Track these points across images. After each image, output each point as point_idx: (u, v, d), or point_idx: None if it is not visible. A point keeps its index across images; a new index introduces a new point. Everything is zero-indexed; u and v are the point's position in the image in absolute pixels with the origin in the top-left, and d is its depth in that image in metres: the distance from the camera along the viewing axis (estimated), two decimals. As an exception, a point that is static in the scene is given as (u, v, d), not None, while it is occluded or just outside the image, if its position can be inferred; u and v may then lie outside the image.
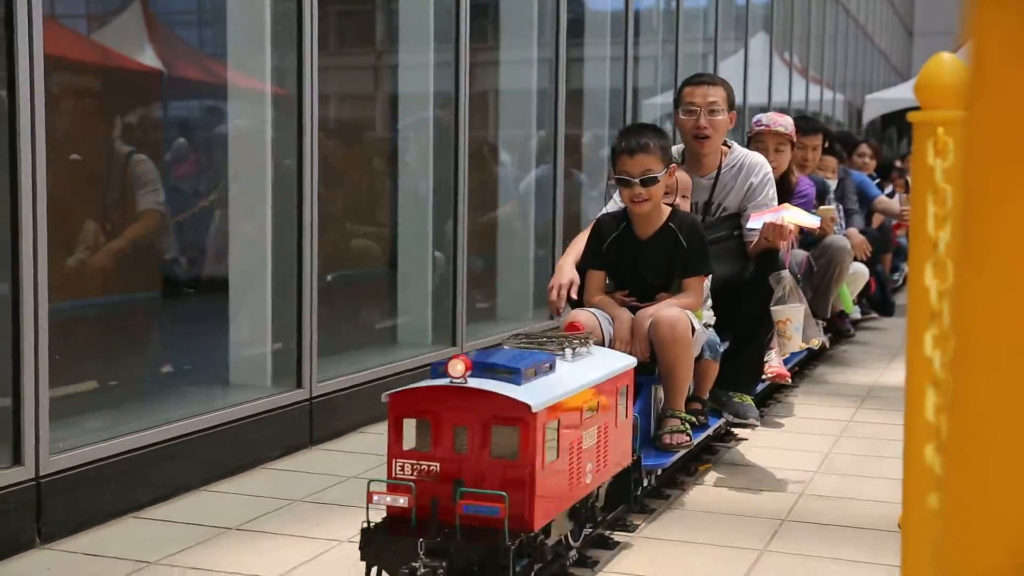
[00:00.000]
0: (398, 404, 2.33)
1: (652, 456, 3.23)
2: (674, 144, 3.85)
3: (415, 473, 2.29)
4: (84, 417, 3.48)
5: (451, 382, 2.28)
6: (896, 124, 18.62)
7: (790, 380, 4.53)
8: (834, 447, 4.13)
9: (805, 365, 5.72)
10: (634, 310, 3.34)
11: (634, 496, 2.97)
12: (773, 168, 4.10)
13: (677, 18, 8.24)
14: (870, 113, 17.88)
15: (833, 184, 6.22)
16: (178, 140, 4.85)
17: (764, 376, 4.12)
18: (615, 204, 3.63)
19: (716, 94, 3.84)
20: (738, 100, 4.83)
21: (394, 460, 2.32)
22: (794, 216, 3.71)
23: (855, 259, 5.81)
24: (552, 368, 2.48)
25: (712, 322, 3.55)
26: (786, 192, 4.59)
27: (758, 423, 3.87)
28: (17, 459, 2.87)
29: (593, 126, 7.52)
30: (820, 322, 5.30)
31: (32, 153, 2.85)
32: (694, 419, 3.43)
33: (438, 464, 2.29)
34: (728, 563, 2.85)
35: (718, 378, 3.62)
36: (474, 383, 2.28)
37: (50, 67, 2.97)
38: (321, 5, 4.03)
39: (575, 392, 2.47)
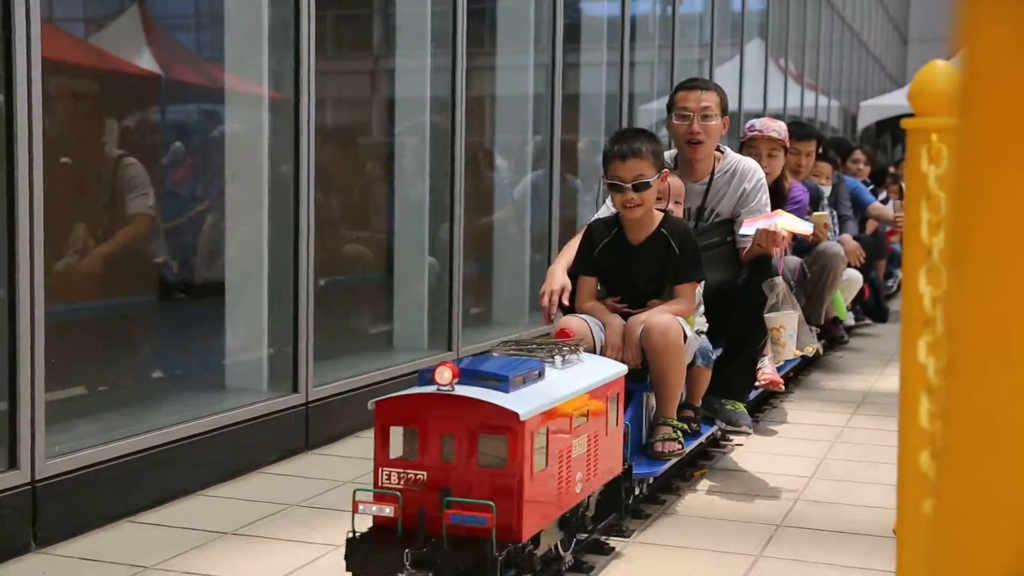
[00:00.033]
0: (384, 412, 2.29)
1: (644, 464, 3.21)
2: (667, 149, 3.84)
3: (401, 482, 2.26)
4: (80, 421, 3.48)
5: (438, 389, 2.25)
6: (891, 130, 18.65)
7: (783, 387, 4.53)
8: (829, 453, 4.14)
9: (799, 371, 5.73)
10: (626, 316, 3.32)
11: (625, 505, 2.95)
12: (766, 174, 4.10)
13: (673, 24, 8.25)
14: (865, 119, 17.91)
15: (827, 190, 6.22)
16: (175, 144, 4.85)
17: (757, 383, 4.12)
18: (607, 209, 3.61)
19: (709, 99, 3.82)
20: (733, 106, 4.84)
21: (380, 469, 2.28)
22: (787, 222, 3.71)
23: (849, 265, 5.82)
24: (541, 375, 2.46)
25: (705, 329, 3.54)
26: (779, 198, 4.59)
27: (751, 431, 3.86)
28: (13, 463, 2.87)
29: (589, 131, 7.53)
30: (814, 328, 5.30)
31: (29, 156, 2.85)
32: (686, 427, 3.41)
33: (425, 473, 2.25)
34: (723, 568, 2.85)
35: (711, 385, 3.60)
36: (461, 391, 2.25)
37: (48, 70, 2.97)
38: (318, 9, 4.03)
39: (564, 400, 2.44)
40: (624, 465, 2.89)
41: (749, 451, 4.11)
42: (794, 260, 4.91)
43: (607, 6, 7.60)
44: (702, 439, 3.62)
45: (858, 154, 8.00)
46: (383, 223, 5.52)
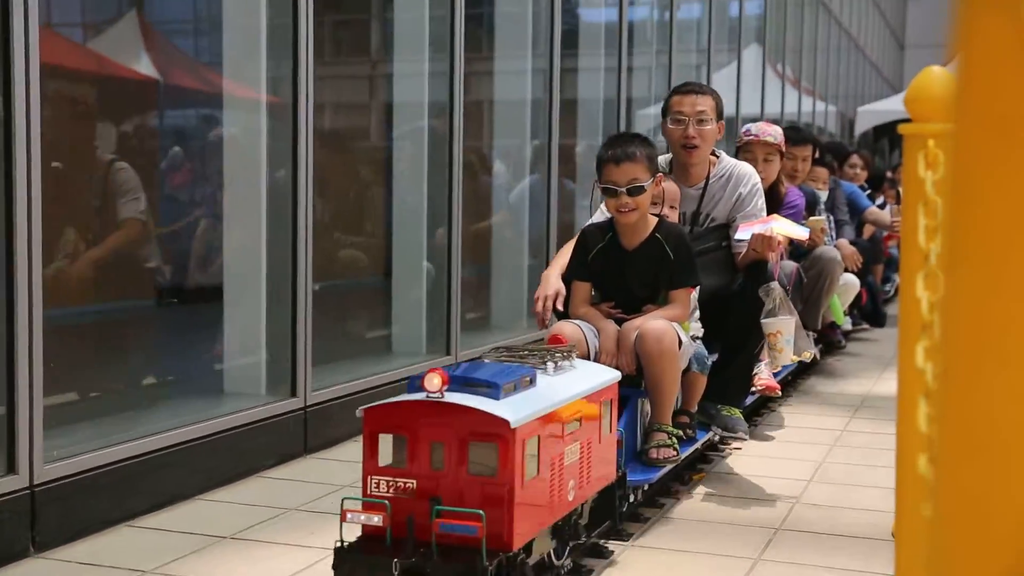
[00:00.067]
0: (373, 419, 2.26)
1: (638, 471, 3.18)
2: (662, 153, 3.83)
3: (391, 490, 2.23)
4: (78, 425, 3.48)
5: (428, 397, 2.22)
6: (888, 136, 18.69)
7: (780, 393, 4.53)
8: (827, 456, 4.14)
9: (797, 376, 5.73)
10: (620, 322, 3.30)
11: (619, 512, 2.93)
12: (762, 178, 4.09)
13: (671, 29, 8.26)
14: (862, 125, 17.94)
15: (824, 195, 6.23)
16: (173, 149, 4.85)
17: (753, 389, 4.11)
18: (602, 214, 3.59)
19: (705, 103, 3.79)
20: (731, 111, 4.85)
21: (369, 477, 2.25)
22: (783, 227, 3.71)
23: (846, 270, 5.82)
24: (533, 382, 2.42)
25: (700, 334, 3.52)
26: (775, 203, 4.58)
27: (747, 436, 3.85)
28: (11, 468, 2.87)
29: (587, 136, 7.53)
30: (811, 334, 5.30)
31: (27, 161, 2.85)
32: (681, 433, 3.39)
33: (414, 481, 2.22)
34: (722, 572, 2.85)
35: (706, 391, 3.58)
36: (451, 398, 2.22)
37: (46, 75, 2.98)
38: (317, 14, 4.04)
39: (557, 407, 2.41)
40: (618, 472, 2.86)
41: (748, 455, 4.11)
42: (790, 265, 4.91)
43: (605, 11, 7.62)
44: (698, 445, 3.60)
45: (855, 159, 8.01)
46: (381, 227, 5.53)
